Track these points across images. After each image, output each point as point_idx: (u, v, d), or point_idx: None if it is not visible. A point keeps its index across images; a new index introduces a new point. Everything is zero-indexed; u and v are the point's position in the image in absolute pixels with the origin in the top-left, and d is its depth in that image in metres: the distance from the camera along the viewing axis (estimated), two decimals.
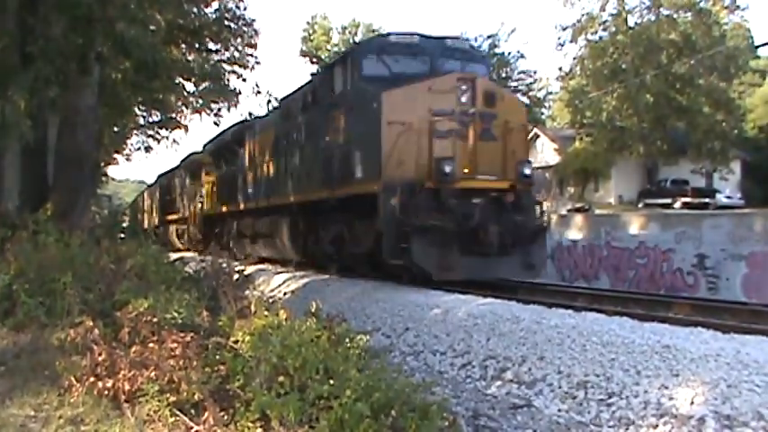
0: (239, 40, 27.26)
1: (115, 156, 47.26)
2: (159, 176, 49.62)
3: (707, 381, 6.72)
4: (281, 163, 21.58)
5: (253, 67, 28.93)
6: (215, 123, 32.03)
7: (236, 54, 28.18)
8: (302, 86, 21.02)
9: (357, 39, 51.95)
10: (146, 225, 46.00)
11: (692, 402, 6.53)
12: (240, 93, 29.95)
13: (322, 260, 19.01)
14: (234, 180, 27.36)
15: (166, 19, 21.17)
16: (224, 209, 28.86)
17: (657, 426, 6.55)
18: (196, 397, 5.51)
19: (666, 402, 6.75)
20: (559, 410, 7.57)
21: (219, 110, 30.98)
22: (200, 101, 31.20)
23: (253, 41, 27.90)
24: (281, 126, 21.93)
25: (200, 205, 33.62)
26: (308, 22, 61.33)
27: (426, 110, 14.47)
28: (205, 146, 33.73)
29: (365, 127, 15.38)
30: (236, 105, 30.49)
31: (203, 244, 31.11)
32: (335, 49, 51.66)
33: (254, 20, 27.11)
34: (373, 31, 50.22)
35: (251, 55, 28.74)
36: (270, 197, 22.61)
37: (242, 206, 26.17)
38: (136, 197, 66.81)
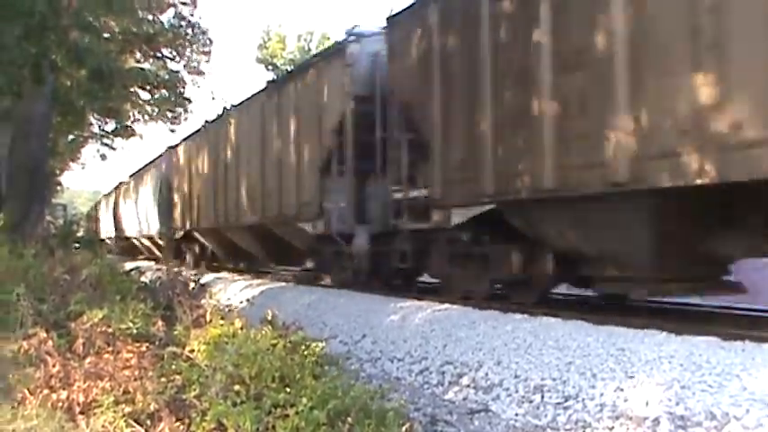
0: (194, 47, 27.10)
1: (70, 164, 46.78)
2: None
3: (661, 382, 6.78)
4: None
5: (202, 72, 28.64)
6: (171, 131, 31.84)
7: (191, 62, 28.00)
8: None
9: (313, 47, 51.58)
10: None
11: (647, 404, 6.59)
12: (192, 101, 29.78)
13: None
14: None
15: (121, 27, 21.06)
16: None
17: (613, 427, 6.60)
18: (152, 407, 5.46)
19: (622, 404, 6.81)
20: (516, 415, 7.61)
21: (176, 117, 30.79)
22: (156, 109, 31.00)
23: (207, 49, 27.76)
24: None
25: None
26: (263, 30, 61.17)
27: None
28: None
29: None
30: (188, 113, 30.28)
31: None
32: (291, 56, 51.26)
33: (207, 29, 26.98)
34: (328, 39, 49.80)
35: (206, 62, 28.60)
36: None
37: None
38: (93, 205, 65.46)
